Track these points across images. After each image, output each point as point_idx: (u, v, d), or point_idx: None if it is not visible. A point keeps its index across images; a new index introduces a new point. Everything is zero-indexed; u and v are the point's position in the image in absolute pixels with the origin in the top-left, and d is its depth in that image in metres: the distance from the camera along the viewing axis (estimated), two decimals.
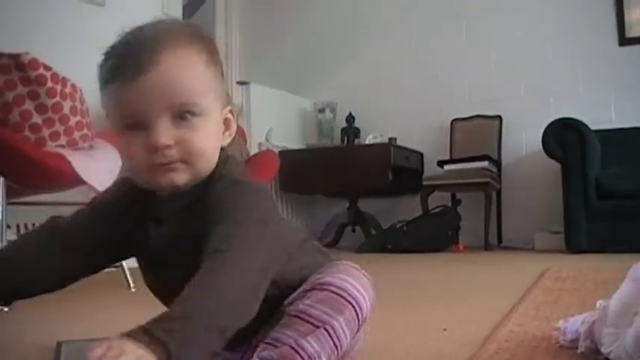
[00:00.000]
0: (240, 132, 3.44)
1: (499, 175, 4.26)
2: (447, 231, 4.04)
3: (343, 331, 0.87)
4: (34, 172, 2.16)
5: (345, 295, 0.88)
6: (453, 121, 4.48)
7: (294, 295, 0.91)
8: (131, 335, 0.62)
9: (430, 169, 4.39)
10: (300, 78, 4.96)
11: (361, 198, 4.47)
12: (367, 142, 4.54)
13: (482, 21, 4.55)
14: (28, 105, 2.13)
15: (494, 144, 4.32)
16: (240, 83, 4.47)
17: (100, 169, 2.20)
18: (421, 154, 4.60)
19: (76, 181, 2.17)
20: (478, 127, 4.41)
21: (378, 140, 4.49)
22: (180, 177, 0.83)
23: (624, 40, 4.19)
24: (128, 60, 0.78)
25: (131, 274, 2.33)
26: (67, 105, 2.23)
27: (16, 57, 2.12)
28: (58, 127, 2.20)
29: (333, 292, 0.88)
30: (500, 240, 4.30)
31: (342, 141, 4.70)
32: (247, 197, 0.84)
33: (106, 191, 0.99)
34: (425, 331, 1.39)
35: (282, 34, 5.08)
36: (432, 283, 2.49)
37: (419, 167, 4.55)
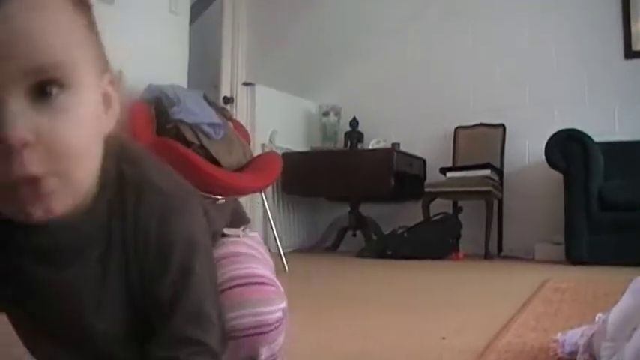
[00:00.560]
0: (244, 133, 3.45)
1: (501, 184, 4.26)
2: (447, 238, 4.04)
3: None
4: None
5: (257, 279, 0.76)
6: (456, 128, 4.49)
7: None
8: None
9: (432, 175, 4.39)
10: (306, 81, 4.97)
11: (363, 203, 4.48)
12: (370, 146, 4.55)
13: (488, 30, 4.56)
14: None
15: (497, 153, 4.33)
16: (246, 84, 4.50)
17: None
18: (424, 161, 4.60)
19: None
20: (481, 136, 4.41)
21: (382, 145, 4.50)
22: (59, 201, 0.55)
23: (630, 53, 4.19)
24: None
25: None
26: None
27: None
28: None
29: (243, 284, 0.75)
30: (500, 249, 4.30)
31: (346, 145, 4.70)
32: (184, 240, 0.64)
33: None
34: (424, 339, 1.40)
35: (289, 36, 5.10)
36: (431, 290, 2.50)
37: (421, 174, 4.55)
